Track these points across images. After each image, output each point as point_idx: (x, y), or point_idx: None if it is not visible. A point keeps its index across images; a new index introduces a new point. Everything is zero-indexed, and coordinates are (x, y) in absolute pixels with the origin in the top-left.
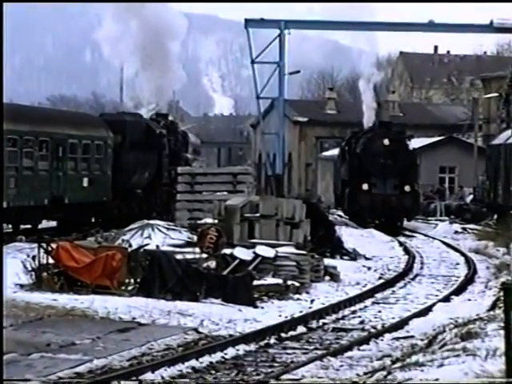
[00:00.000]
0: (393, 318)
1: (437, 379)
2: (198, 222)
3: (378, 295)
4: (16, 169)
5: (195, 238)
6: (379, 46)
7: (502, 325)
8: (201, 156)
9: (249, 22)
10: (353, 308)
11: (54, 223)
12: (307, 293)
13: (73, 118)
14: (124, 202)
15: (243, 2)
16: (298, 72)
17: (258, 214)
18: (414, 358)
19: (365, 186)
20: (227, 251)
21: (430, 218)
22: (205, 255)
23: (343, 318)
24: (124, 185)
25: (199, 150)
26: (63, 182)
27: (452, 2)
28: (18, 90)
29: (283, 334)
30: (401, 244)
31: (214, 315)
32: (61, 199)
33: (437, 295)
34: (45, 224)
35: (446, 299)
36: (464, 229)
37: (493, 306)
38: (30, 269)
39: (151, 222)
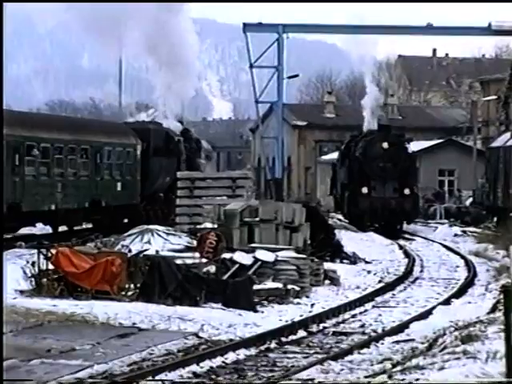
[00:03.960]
0: (393, 321)
1: (437, 382)
2: (198, 226)
3: (378, 299)
4: (62, 174)
5: (195, 242)
6: (378, 49)
7: (503, 327)
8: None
9: (247, 27)
10: (353, 312)
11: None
12: (307, 297)
13: (106, 127)
14: (149, 204)
15: (242, 2)
16: (297, 76)
17: (257, 219)
18: (414, 362)
19: (364, 190)
20: (227, 256)
21: (429, 221)
22: (205, 260)
23: (343, 321)
24: (149, 189)
25: (211, 156)
26: (100, 187)
27: (450, 2)
28: (16, 94)
29: (283, 339)
30: (401, 247)
31: (214, 320)
32: (98, 202)
33: (437, 298)
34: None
35: (447, 302)
36: (464, 231)
37: (493, 309)
38: (29, 275)
39: (151, 226)
